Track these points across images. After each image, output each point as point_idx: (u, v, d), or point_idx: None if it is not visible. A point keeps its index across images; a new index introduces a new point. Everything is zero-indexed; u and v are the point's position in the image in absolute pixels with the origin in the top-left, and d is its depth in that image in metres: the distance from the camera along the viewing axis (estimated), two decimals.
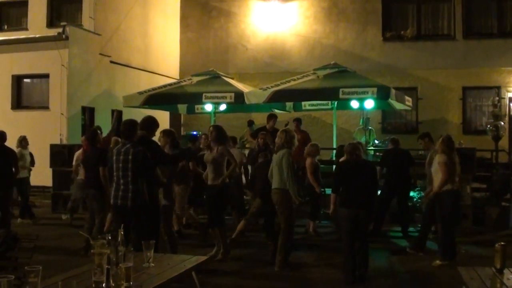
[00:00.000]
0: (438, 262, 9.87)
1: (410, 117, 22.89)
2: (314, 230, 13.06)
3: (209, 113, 19.35)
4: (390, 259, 10.84)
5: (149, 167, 8.01)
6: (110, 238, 4.68)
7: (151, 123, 8.84)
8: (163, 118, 22.37)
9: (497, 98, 21.25)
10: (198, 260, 5.35)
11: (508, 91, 22.02)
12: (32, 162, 15.50)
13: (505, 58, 21.85)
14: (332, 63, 17.69)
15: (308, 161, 12.82)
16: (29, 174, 15.16)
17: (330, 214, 9.56)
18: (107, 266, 4.36)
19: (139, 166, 7.83)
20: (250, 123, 18.97)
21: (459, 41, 22.56)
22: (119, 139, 11.02)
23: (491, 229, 13.49)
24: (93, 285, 4.16)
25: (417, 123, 22.61)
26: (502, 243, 5.39)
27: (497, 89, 21.85)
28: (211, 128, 10.48)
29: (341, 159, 10.27)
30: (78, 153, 13.85)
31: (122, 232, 4.82)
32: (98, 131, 11.49)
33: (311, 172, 12.73)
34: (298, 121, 16.48)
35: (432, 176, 10.60)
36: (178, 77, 24.15)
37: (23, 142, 14.72)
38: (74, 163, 13.91)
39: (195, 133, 18.30)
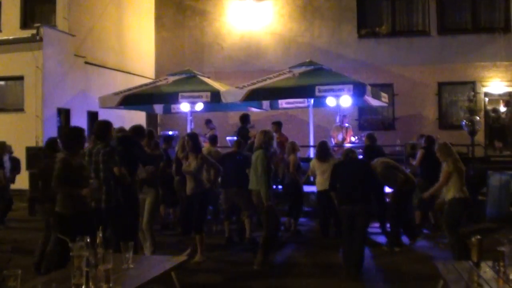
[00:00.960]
0: None
1: (387, 113, 22.98)
2: (296, 228, 13.09)
3: (185, 113, 19.29)
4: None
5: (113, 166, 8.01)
6: (88, 240, 4.63)
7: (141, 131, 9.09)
8: (139, 118, 22.30)
9: (472, 93, 21.50)
10: (177, 261, 5.32)
11: (483, 86, 22.21)
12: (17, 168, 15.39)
13: (479, 53, 22.06)
14: (307, 61, 17.73)
15: (291, 158, 12.89)
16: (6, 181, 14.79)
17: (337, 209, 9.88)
18: (86, 269, 4.32)
19: (108, 166, 7.83)
20: (208, 121, 18.73)
21: (434, 37, 22.73)
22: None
23: (467, 222, 13.54)
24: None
25: (394, 119, 22.75)
26: (478, 237, 5.42)
27: (472, 84, 22.11)
28: (186, 138, 10.41)
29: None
30: None
31: (100, 234, 4.78)
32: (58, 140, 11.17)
33: (294, 168, 12.82)
34: (277, 124, 15.88)
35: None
36: (153, 77, 24.06)
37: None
38: None
39: (170, 133, 18.22)
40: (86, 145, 10.02)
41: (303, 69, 16.94)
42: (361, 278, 9.09)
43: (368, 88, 15.65)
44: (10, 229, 13.95)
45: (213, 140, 13.64)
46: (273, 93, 16.66)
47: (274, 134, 12.87)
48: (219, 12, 24.28)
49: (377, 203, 13.08)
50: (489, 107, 22.64)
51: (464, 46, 22.25)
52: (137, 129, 9.37)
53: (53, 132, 18.71)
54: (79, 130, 7.96)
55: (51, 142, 10.31)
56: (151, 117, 23.73)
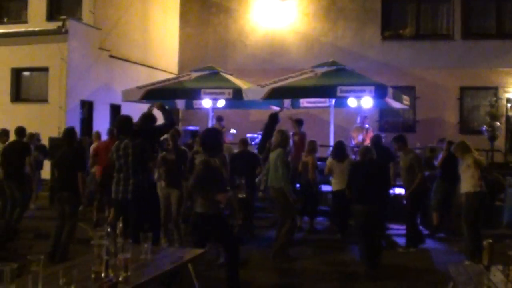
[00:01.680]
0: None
1: (408, 116, 22.95)
2: (313, 227, 13.19)
3: (207, 109, 19.44)
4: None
5: (148, 159, 8.17)
6: (109, 229, 4.76)
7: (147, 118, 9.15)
8: (159, 113, 22.44)
9: (494, 98, 21.45)
10: (195, 253, 5.43)
11: (505, 92, 22.09)
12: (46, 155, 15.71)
13: (503, 59, 21.94)
14: (330, 61, 17.81)
15: (310, 158, 12.99)
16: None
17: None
18: (106, 257, 4.44)
19: (139, 159, 7.98)
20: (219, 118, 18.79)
21: (458, 41, 22.63)
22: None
23: (484, 227, 13.54)
24: (93, 275, 4.24)
25: (415, 122, 22.72)
26: (490, 240, 5.49)
27: (495, 90, 22.03)
28: None
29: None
30: (93, 146, 13.97)
31: (120, 224, 4.91)
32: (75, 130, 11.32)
33: (313, 169, 12.93)
34: (298, 122, 15.93)
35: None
36: (177, 73, 24.22)
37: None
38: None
39: (193, 128, 18.38)
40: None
41: (325, 69, 17.03)
42: (376, 277, 9.20)
43: (390, 90, 15.71)
44: (33, 218, 14.11)
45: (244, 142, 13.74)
46: (295, 92, 16.81)
47: (292, 132, 13.18)
48: (244, 10, 24.36)
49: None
50: (510, 113, 22.55)
51: (487, 52, 22.13)
52: (147, 116, 9.40)
53: (76, 124, 18.89)
54: (218, 131, 8.28)
55: (68, 132, 10.46)
56: (173, 112, 23.87)
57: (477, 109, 22.70)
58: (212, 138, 7.75)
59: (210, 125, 18.53)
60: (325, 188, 14.44)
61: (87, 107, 19.76)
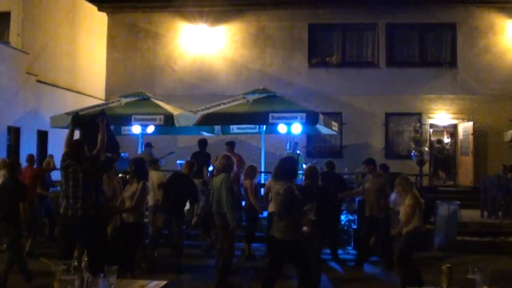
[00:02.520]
0: None
1: (335, 141, 23.34)
2: (250, 253, 13.17)
3: (136, 135, 19.25)
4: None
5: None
6: (75, 264, 4.62)
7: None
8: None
9: (418, 124, 22.11)
10: (159, 285, 5.34)
11: (429, 118, 22.83)
12: None
13: (426, 86, 22.69)
14: (261, 88, 17.97)
15: (247, 182, 12.97)
16: None
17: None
18: None
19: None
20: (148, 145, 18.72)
21: (382, 68, 23.28)
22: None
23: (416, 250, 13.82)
24: None
25: (341, 147, 23.11)
26: (448, 265, 5.60)
27: (419, 116, 22.70)
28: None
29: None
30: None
31: (86, 258, 4.77)
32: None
33: (252, 193, 12.90)
34: (231, 144, 16.11)
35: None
36: (104, 98, 23.92)
37: None
38: None
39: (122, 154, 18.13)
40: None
41: (256, 96, 17.17)
42: None
43: (321, 117, 15.99)
44: None
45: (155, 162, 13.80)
46: (227, 118, 16.88)
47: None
48: (172, 35, 24.31)
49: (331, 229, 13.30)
50: (433, 138, 23.29)
51: (411, 79, 22.84)
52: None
53: (2, 150, 18.41)
54: (294, 160, 9.00)
55: (12, 163, 10.34)
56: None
57: (401, 134, 23.33)
58: (290, 164, 8.38)
59: (139, 152, 18.38)
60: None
61: (14, 133, 19.21)
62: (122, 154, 18.11)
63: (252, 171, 13.07)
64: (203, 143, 16.44)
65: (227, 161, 10.29)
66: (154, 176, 12.62)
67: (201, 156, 15.85)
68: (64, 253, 7.52)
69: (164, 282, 5.42)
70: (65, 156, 8.20)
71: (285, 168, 8.19)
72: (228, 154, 10.98)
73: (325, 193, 10.25)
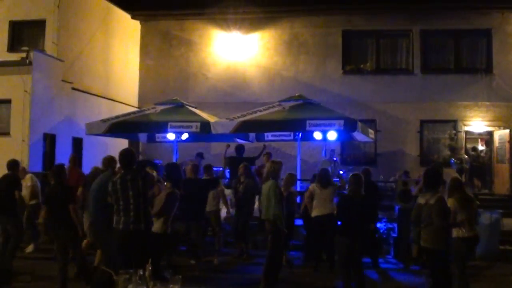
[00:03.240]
0: None
1: (369, 149, 23.19)
2: (287, 261, 13.05)
3: (171, 142, 19.23)
4: None
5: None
6: (142, 272, 4.54)
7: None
8: (122, 146, 22.14)
9: (454, 131, 21.91)
10: None
11: (464, 125, 22.59)
12: None
13: (461, 93, 22.48)
14: (297, 95, 17.83)
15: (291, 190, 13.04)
16: None
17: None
18: None
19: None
20: (199, 154, 18.90)
21: (417, 75, 23.11)
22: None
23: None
24: None
25: (376, 155, 22.95)
26: None
27: (454, 123, 22.49)
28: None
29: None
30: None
31: (150, 267, 4.69)
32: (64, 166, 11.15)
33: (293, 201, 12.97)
34: (269, 154, 16.59)
35: None
36: (137, 105, 23.98)
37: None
38: None
39: (156, 161, 18.14)
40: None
41: (292, 102, 17.00)
42: None
43: (359, 124, 15.82)
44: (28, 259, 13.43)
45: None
46: (264, 126, 16.72)
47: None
48: (205, 43, 24.38)
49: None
50: (469, 146, 23.01)
51: (446, 86, 22.66)
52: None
53: (39, 157, 18.47)
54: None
55: (58, 168, 10.43)
56: (133, 145, 23.53)
57: (437, 142, 23.10)
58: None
59: (175, 158, 18.38)
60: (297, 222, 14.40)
61: (50, 140, 19.26)
62: (158, 161, 18.21)
63: (294, 179, 13.09)
64: (240, 149, 16.50)
65: (274, 167, 10.24)
66: None
67: (238, 162, 15.85)
68: (122, 265, 7.44)
69: None
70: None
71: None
72: (275, 160, 10.90)
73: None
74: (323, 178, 12.78)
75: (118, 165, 9.69)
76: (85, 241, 9.82)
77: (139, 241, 7.83)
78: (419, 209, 8.73)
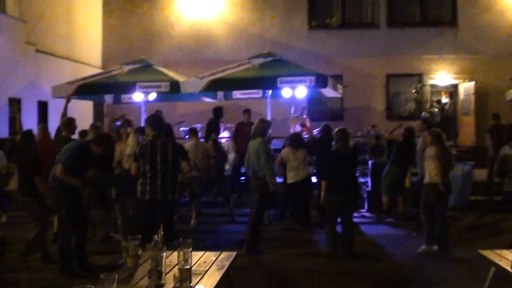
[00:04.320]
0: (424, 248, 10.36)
1: (335, 105, 23.32)
2: (268, 219, 13.13)
3: (138, 103, 18.97)
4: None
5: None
6: (156, 239, 4.53)
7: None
8: (86, 108, 21.89)
9: (419, 85, 22.13)
10: (231, 256, 5.29)
11: (430, 79, 22.87)
12: None
13: (427, 46, 22.69)
14: (266, 52, 17.71)
15: None
16: None
17: (322, 200, 9.99)
18: (158, 268, 4.24)
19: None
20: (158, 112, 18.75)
21: (383, 29, 23.23)
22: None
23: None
24: None
25: (342, 110, 23.12)
26: None
27: (419, 76, 22.72)
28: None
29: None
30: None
31: (162, 232, 4.67)
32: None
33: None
34: (248, 112, 16.63)
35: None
36: (100, 66, 23.60)
37: None
38: None
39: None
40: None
41: (262, 60, 16.89)
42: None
43: (330, 80, 15.84)
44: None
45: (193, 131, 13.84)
46: (234, 84, 16.60)
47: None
48: (169, 0, 23.98)
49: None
50: (433, 99, 23.26)
51: (412, 39, 22.83)
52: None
53: (5, 123, 18.11)
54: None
55: (27, 134, 10.23)
56: (97, 108, 23.22)
57: (402, 96, 23.31)
58: None
59: (143, 119, 18.15)
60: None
61: (16, 105, 18.84)
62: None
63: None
64: (218, 111, 16.48)
65: (263, 125, 10.26)
66: None
67: (216, 124, 15.95)
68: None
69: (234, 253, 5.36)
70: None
71: None
72: (264, 118, 11.00)
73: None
74: (295, 140, 12.82)
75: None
76: None
77: (166, 213, 7.89)
78: (506, 159, 9.96)
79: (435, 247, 10.22)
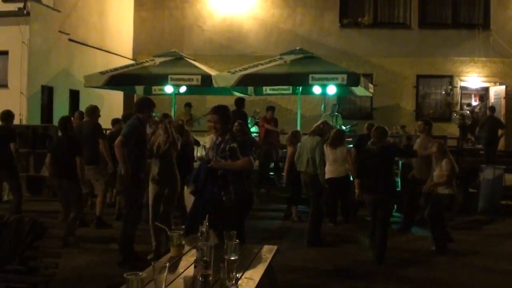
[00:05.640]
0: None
1: (365, 103, 23.29)
2: (297, 215, 13.11)
3: (169, 94, 19.06)
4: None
5: None
6: (203, 230, 4.58)
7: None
8: (117, 98, 22.09)
9: (450, 87, 22.06)
10: (273, 250, 5.32)
11: (460, 80, 22.79)
12: None
13: (458, 48, 22.62)
14: (297, 48, 17.73)
15: (289, 149, 12.89)
16: None
17: (356, 198, 10.15)
18: (205, 258, 4.28)
19: None
20: (188, 105, 18.95)
21: (414, 30, 23.17)
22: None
23: (459, 215, 13.77)
24: (201, 279, 4.05)
25: (372, 110, 23.08)
26: None
27: (450, 78, 22.62)
28: None
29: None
30: None
31: (207, 223, 4.72)
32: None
33: (290, 160, 12.78)
34: (272, 109, 16.83)
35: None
36: (131, 57, 23.74)
37: None
38: None
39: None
40: None
41: (293, 56, 16.87)
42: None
43: (361, 78, 15.80)
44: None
45: None
46: (266, 80, 16.61)
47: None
48: None
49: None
50: (464, 101, 23.15)
51: (443, 41, 22.76)
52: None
53: (37, 110, 18.29)
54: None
55: (64, 119, 10.38)
56: (129, 98, 23.37)
57: (432, 97, 23.24)
58: None
59: (173, 111, 18.25)
60: None
61: (47, 93, 19.02)
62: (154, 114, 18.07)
63: (295, 138, 12.92)
64: (240, 102, 16.45)
65: (324, 126, 10.94)
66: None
67: (238, 114, 15.87)
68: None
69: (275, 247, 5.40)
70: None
71: None
72: (326, 121, 11.65)
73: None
74: (334, 138, 12.58)
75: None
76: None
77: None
78: None
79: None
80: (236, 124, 14.12)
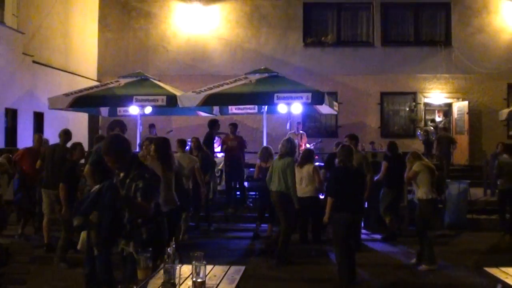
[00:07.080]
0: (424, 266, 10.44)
1: (330, 121, 23.42)
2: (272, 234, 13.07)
3: (133, 116, 18.95)
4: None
5: None
6: (169, 251, 4.55)
7: None
8: (82, 120, 21.92)
9: (413, 103, 22.31)
10: (241, 270, 5.30)
11: (424, 97, 23.08)
12: None
13: (421, 65, 22.94)
14: (262, 68, 17.82)
15: (261, 164, 12.98)
16: None
17: (325, 219, 9.43)
18: (172, 281, 4.26)
19: None
20: (152, 126, 18.99)
21: (378, 47, 23.42)
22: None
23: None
24: None
25: (337, 127, 23.18)
26: None
27: (414, 95, 22.91)
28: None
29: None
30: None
31: (173, 245, 4.69)
32: None
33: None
34: (234, 125, 16.60)
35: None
36: (96, 78, 23.61)
37: None
38: None
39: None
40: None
41: (258, 75, 16.96)
42: None
43: (326, 96, 15.90)
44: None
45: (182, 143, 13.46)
46: (231, 99, 16.64)
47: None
48: (165, 15, 24.05)
49: None
50: (428, 117, 23.43)
51: (406, 58, 23.10)
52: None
53: (1, 133, 18.06)
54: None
55: None
56: (93, 120, 23.23)
57: (396, 114, 23.50)
58: None
59: (138, 132, 18.15)
60: None
61: (11, 115, 18.79)
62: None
63: (271, 153, 13.02)
64: (212, 124, 16.45)
65: (291, 145, 10.93)
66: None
67: (206, 136, 15.96)
68: None
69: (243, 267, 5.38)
70: None
71: None
72: (290, 138, 11.39)
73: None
74: (302, 157, 12.84)
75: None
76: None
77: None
78: None
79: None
80: (193, 139, 14.41)
